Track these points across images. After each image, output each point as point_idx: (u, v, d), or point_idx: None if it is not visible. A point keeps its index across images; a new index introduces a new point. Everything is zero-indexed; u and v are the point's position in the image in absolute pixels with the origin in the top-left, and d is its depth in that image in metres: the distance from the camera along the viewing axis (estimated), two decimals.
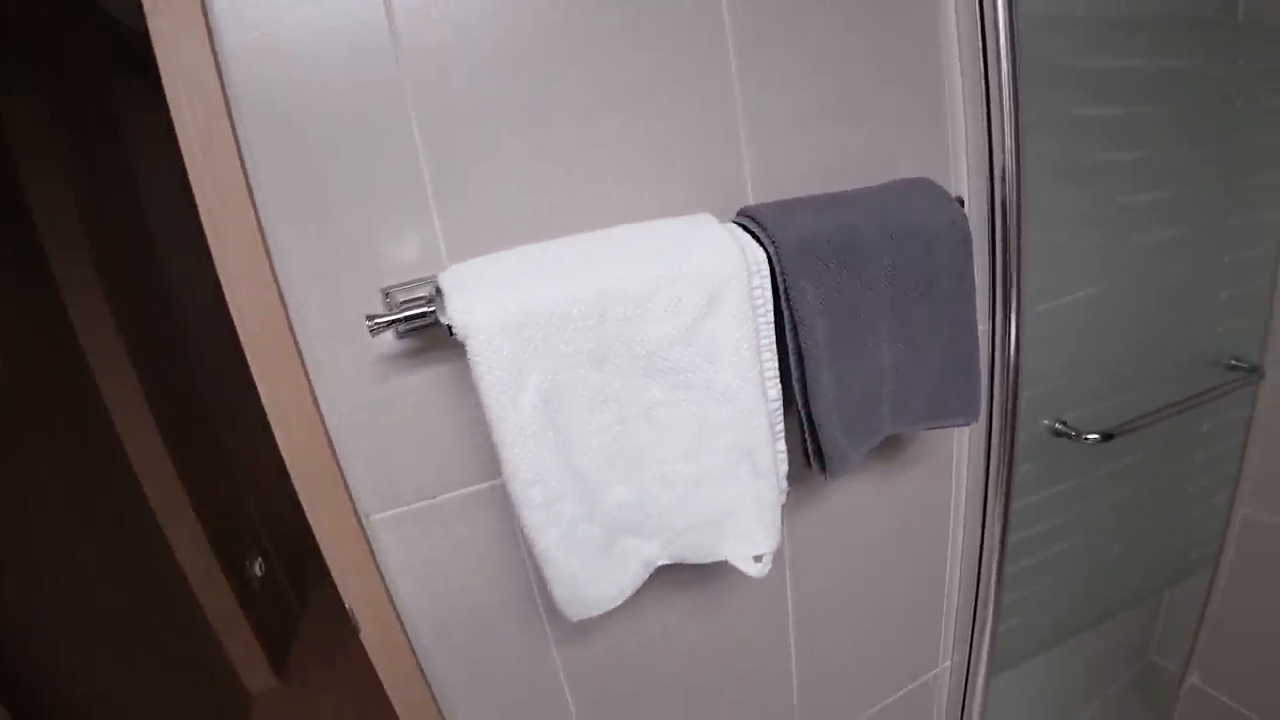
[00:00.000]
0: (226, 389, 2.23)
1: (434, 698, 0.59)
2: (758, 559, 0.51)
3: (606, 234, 0.48)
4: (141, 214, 1.84)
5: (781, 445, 0.53)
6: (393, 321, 0.43)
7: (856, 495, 0.72)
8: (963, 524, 0.81)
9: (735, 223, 0.52)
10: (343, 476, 0.51)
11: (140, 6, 0.40)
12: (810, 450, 0.55)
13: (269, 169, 0.44)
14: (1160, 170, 0.84)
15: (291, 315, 0.47)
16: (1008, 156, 0.64)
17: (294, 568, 2.40)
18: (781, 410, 0.53)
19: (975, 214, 0.67)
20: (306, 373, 0.48)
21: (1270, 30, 0.87)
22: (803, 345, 0.50)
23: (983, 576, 0.83)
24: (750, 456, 0.49)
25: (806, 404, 0.52)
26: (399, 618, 0.56)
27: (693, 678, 0.70)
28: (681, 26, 0.51)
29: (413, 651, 0.57)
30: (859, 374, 0.54)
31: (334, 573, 0.55)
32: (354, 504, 0.52)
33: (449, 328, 0.41)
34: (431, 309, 0.44)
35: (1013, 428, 0.74)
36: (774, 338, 0.51)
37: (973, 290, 0.58)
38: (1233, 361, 1.00)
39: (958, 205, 0.56)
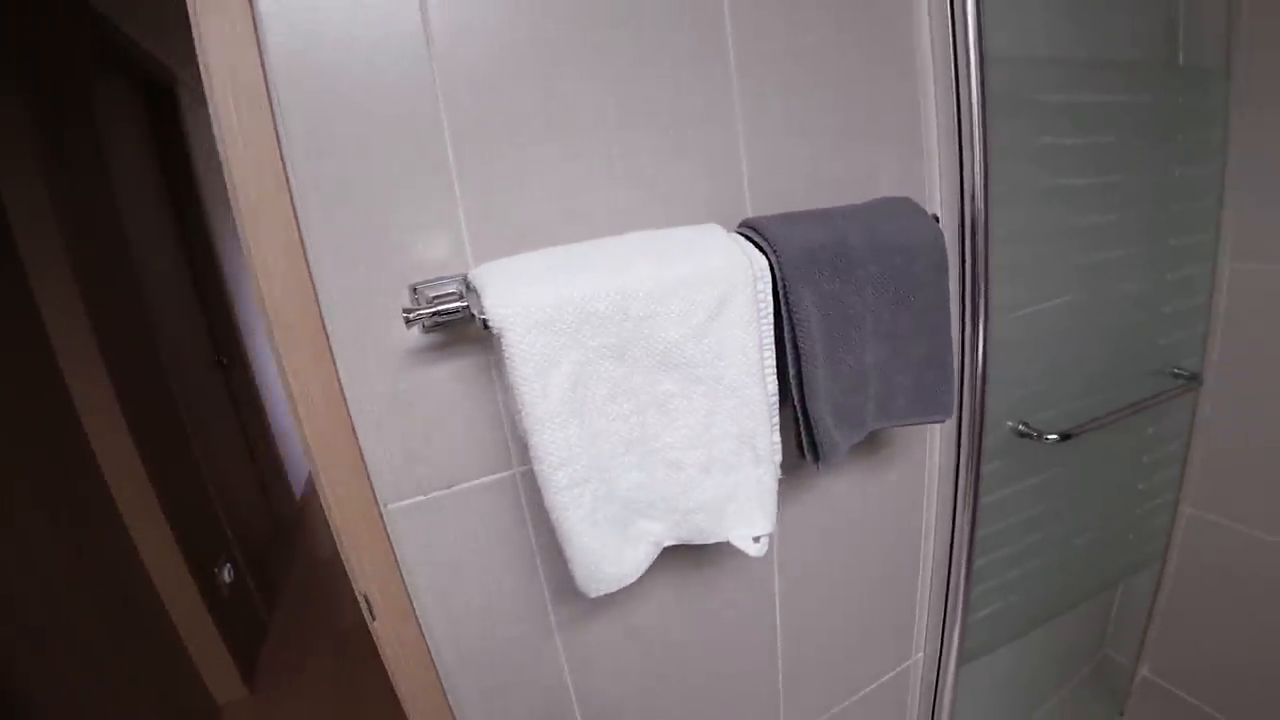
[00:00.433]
0: (198, 394, 2.19)
1: (444, 691, 0.60)
2: (757, 540, 0.56)
3: (624, 239, 0.51)
4: (118, 215, 1.81)
5: (777, 437, 0.57)
6: (432, 314, 0.45)
7: (838, 492, 0.76)
8: (935, 518, 0.86)
9: (739, 232, 0.56)
10: (365, 465, 0.53)
11: (125, 5, 0.42)
12: (805, 441, 0.59)
13: (306, 166, 0.46)
14: (1112, 194, 0.92)
15: (322, 308, 0.49)
16: (977, 179, 0.70)
17: (262, 575, 2.35)
18: (778, 404, 0.57)
19: (948, 231, 0.72)
20: (335, 364, 0.50)
21: (1204, 73, 0.98)
22: (801, 344, 0.55)
23: (953, 569, 0.88)
24: (753, 445, 0.53)
25: (803, 398, 0.57)
26: (413, 608, 0.57)
27: (686, 662, 0.73)
28: (693, 56, 0.56)
29: (425, 641, 0.58)
30: (848, 372, 0.59)
31: (349, 562, 0.56)
32: (374, 493, 0.54)
33: (484, 321, 0.44)
34: (464, 304, 0.46)
35: (981, 427, 0.80)
36: (774, 337, 0.55)
37: (948, 300, 0.64)
38: (1175, 370, 1.09)
39: (936, 224, 0.62)
